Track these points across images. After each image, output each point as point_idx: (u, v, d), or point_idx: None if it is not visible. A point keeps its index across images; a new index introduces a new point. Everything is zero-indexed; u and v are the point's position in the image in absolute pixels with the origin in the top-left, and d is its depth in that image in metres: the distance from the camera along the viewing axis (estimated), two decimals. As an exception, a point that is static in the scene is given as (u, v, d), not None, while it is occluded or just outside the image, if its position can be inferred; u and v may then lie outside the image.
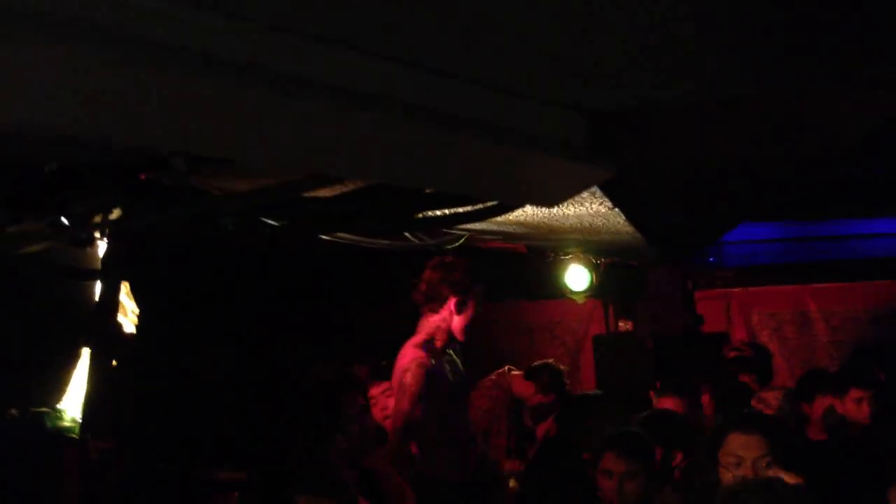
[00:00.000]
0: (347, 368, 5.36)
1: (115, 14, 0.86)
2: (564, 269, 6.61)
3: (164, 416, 5.05)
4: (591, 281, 6.65)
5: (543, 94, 1.35)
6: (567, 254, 6.27)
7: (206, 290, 5.53)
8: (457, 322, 4.30)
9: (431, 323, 4.24)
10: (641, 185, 2.83)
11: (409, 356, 4.14)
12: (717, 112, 1.83)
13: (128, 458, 4.40)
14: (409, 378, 4.05)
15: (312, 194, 1.53)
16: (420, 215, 1.85)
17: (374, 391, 4.72)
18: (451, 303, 4.21)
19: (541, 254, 6.10)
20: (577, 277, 6.64)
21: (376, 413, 4.48)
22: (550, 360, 5.79)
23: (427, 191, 1.72)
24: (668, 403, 5.02)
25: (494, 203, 1.84)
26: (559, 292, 6.77)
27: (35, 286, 2.17)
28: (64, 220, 1.73)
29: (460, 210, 1.88)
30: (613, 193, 2.64)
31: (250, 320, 6.19)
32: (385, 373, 4.66)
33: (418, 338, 4.21)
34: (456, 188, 1.66)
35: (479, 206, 1.84)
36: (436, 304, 4.20)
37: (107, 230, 1.94)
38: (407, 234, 2.90)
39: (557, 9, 1.12)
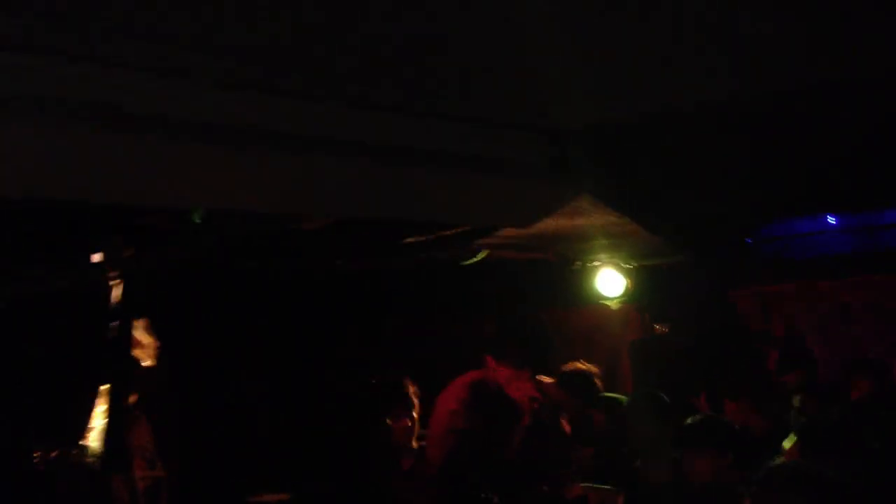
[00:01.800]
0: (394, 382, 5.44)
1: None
2: (596, 275, 6.60)
3: (206, 445, 5.18)
4: (626, 286, 6.63)
5: (504, 118, 1.40)
6: (594, 260, 6.27)
7: (231, 319, 5.66)
8: None
9: None
10: (642, 192, 2.86)
11: None
12: (686, 125, 1.86)
13: (175, 487, 4.53)
14: None
15: (302, 227, 1.60)
16: (407, 241, 1.91)
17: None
18: None
19: (569, 262, 6.11)
20: (610, 283, 6.62)
21: None
22: (581, 364, 5.79)
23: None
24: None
25: (471, 227, 1.89)
26: (593, 299, 6.76)
27: (56, 327, 2.28)
28: (78, 262, 1.83)
29: (444, 233, 1.94)
30: (616, 204, 2.67)
31: (279, 344, 6.31)
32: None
33: None
34: (427, 217, 1.71)
35: (459, 230, 1.90)
36: None
37: (120, 271, 2.04)
38: (420, 252, 2.96)
39: (516, 38, 1.17)
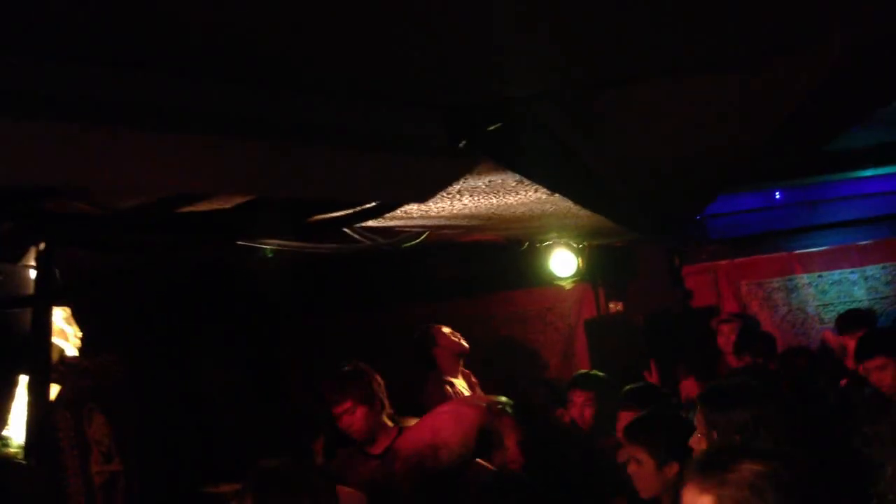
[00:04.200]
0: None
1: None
2: (549, 255, 6.66)
3: (162, 438, 5.15)
4: (577, 265, 6.70)
5: (397, 94, 1.40)
6: (546, 241, 6.32)
7: (184, 310, 5.62)
8: None
9: None
10: (571, 169, 2.88)
11: None
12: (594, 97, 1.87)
13: (132, 480, 4.50)
14: None
15: (193, 208, 1.60)
16: (313, 219, 1.92)
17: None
18: None
19: (519, 243, 6.14)
20: (562, 263, 6.69)
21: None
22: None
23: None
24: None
25: (372, 204, 1.91)
26: (546, 280, 6.82)
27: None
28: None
29: (349, 212, 1.95)
30: (541, 180, 2.68)
31: (234, 335, 6.27)
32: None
33: None
34: (323, 195, 1.72)
35: (364, 207, 1.91)
36: None
37: (34, 258, 2.02)
38: (357, 237, 2.95)
39: (409, 9, 1.17)
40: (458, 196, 2.78)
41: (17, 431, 2.16)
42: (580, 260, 6.75)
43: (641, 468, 3.30)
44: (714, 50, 1.99)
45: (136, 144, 1.19)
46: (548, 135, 2.25)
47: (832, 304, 6.97)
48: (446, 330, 5.64)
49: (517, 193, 2.98)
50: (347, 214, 1.92)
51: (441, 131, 1.48)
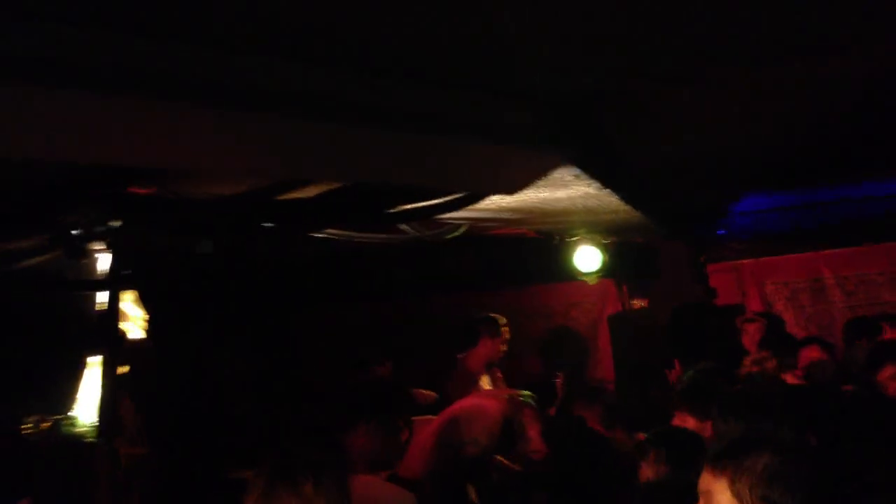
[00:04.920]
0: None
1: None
2: (574, 251, 6.67)
3: (188, 420, 5.19)
4: (602, 261, 6.71)
5: (494, 84, 1.42)
6: (573, 236, 6.33)
7: (220, 295, 5.64)
8: None
9: None
10: (622, 166, 2.89)
11: None
12: (673, 94, 1.89)
13: (158, 463, 4.54)
14: None
15: (287, 196, 1.62)
16: (393, 210, 1.93)
17: None
18: None
19: (548, 237, 6.16)
20: (587, 259, 6.69)
21: None
22: None
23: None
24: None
25: (460, 195, 1.92)
26: (571, 275, 6.82)
27: (37, 301, 2.28)
28: (60, 234, 1.83)
29: (431, 202, 1.96)
30: (597, 175, 2.70)
31: (265, 323, 6.31)
32: None
33: None
34: (415, 182, 1.73)
35: (448, 197, 1.92)
36: None
37: (107, 242, 2.05)
38: (403, 227, 2.98)
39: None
40: (511, 189, 2.79)
41: (84, 412, 2.19)
42: (605, 256, 6.76)
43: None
44: (776, 42, 1.99)
45: (253, 128, 1.21)
46: (615, 132, 2.27)
47: (859, 305, 6.95)
48: (506, 328, 5.63)
49: (568, 188, 3.00)
50: (429, 206, 1.94)
51: (537, 123, 1.49)
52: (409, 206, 1.91)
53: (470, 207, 2.31)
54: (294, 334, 7.06)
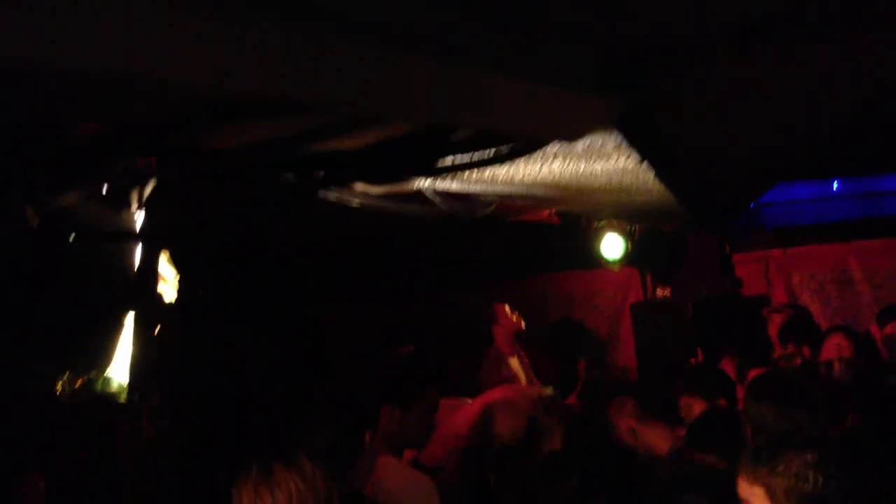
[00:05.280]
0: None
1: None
2: (599, 238, 6.61)
3: (211, 397, 5.16)
4: (627, 248, 6.65)
5: (557, 28, 1.37)
6: (600, 221, 6.27)
7: (246, 274, 5.62)
8: None
9: None
10: (666, 136, 2.83)
11: None
12: (739, 49, 1.83)
13: (180, 439, 4.53)
14: None
15: (334, 146, 1.57)
16: (442, 163, 1.89)
17: None
18: None
19: (574, 223, 6.11)
20: (612, 245, 6.64)
21: None
22: None
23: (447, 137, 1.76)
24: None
25: (511, 146, 1.87)
26: (595, 262, 6.78)
27: (76, 254, 2.26)
28: (108, 182, 1.80)
29: (482, 154, 1.91)
30: (639, 146, 2.65)
31: (296, 311, 6.29)
32: None
33: None
34: (475, 123, 1.69)
35: (499, 148, 1.87)
36: None
37: (143, 197, 2.01)
38: (436, 201, 2.93)
39: None
40: (552, 159, 2.75)
41: (119, 371, 2.17)
42: (629, 243, 6.70)
43: None
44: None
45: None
46: (661, 101, 2.21)
47: (887, 299, 6.84)
48: (506, 309, 5.77)
49: (608, 161, 2.94)
50: (482, 158, 1.89)
51: (594, 68, 1.45)
52: (460, 156, 1.86)
53: (486, 178, 2.26)
54: (323, 325, 7.03)
